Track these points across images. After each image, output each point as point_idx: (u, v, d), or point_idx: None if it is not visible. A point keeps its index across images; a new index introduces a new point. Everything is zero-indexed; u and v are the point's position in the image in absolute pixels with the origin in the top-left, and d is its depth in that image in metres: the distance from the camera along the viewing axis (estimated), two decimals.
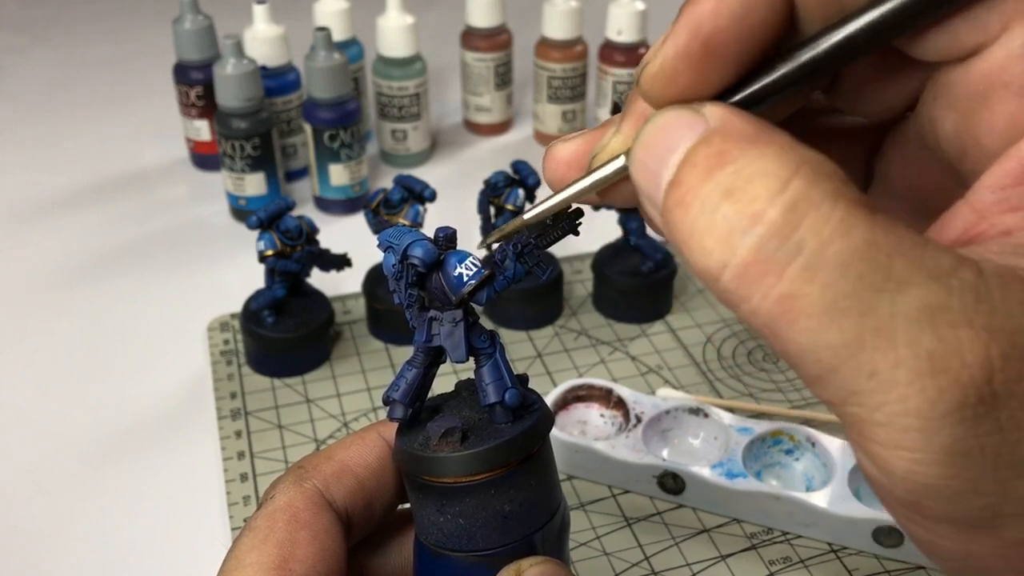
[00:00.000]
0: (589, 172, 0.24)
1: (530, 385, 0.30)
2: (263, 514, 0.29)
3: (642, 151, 0.21)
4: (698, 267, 0.20)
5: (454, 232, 0.28)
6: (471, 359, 0.29)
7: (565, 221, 0.27)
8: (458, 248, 0.28)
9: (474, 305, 0.28)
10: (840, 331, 0.18)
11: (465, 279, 0.27)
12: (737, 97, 0.22)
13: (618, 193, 0.24)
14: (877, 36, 0.21)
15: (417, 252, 0.27)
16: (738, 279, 0.19)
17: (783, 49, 0.22)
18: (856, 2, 0.21)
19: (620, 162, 0.23)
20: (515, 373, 0.30)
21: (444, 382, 0.31)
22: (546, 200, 0.26)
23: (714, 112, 0.20)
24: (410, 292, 0.28)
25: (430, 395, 0.31)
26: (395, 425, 0.30)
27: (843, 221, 0.18)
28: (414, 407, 0.29)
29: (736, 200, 0.19)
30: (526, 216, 0.26)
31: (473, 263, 0.28)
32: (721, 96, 0.22)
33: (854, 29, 0.21)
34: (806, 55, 0.21)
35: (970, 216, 0.21)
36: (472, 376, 0.30)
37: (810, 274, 0.18)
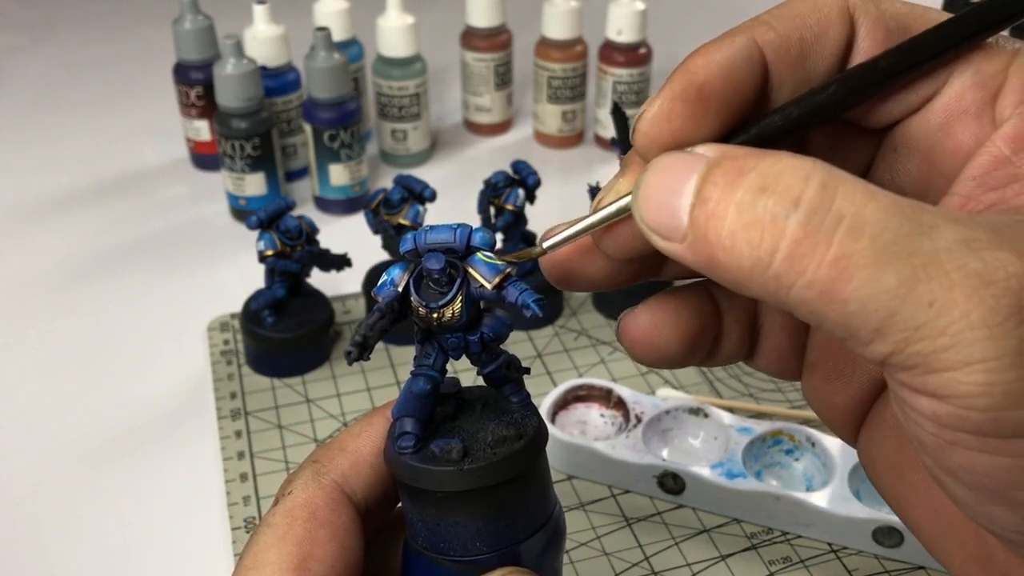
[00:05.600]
0: (596, 210, 0.26)
1: (530, 385, 0.30)
2: (282, 510, 0.29)
3: (650, 190, 0.23)
4: (743, 265, 0.21)
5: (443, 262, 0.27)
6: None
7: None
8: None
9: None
10: (895, 272, 0.20)
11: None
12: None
13: (616, 239, 0.26)
14: (846, 99, 0.24)
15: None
16: (791, 257, 0.21)
17: (755, 117, 0.25)
18: (821, 70, 0.25)
19: (627, 200, 0.25)
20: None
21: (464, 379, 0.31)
22: (562, 231, 0.26)
23: (710, 147, 0.23)
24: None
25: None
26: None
27: (866, 190, 0.21)
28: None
29: (772, 192, 0.21)
30: (546, 245, 0.26)
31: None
32: None
33: (824, 95, 0.24)
34: (777, 117, 0.24)
35: (957, 200, 0.24)
36: (473, 386, 0.30)
37: (856, 232, 0.20)
